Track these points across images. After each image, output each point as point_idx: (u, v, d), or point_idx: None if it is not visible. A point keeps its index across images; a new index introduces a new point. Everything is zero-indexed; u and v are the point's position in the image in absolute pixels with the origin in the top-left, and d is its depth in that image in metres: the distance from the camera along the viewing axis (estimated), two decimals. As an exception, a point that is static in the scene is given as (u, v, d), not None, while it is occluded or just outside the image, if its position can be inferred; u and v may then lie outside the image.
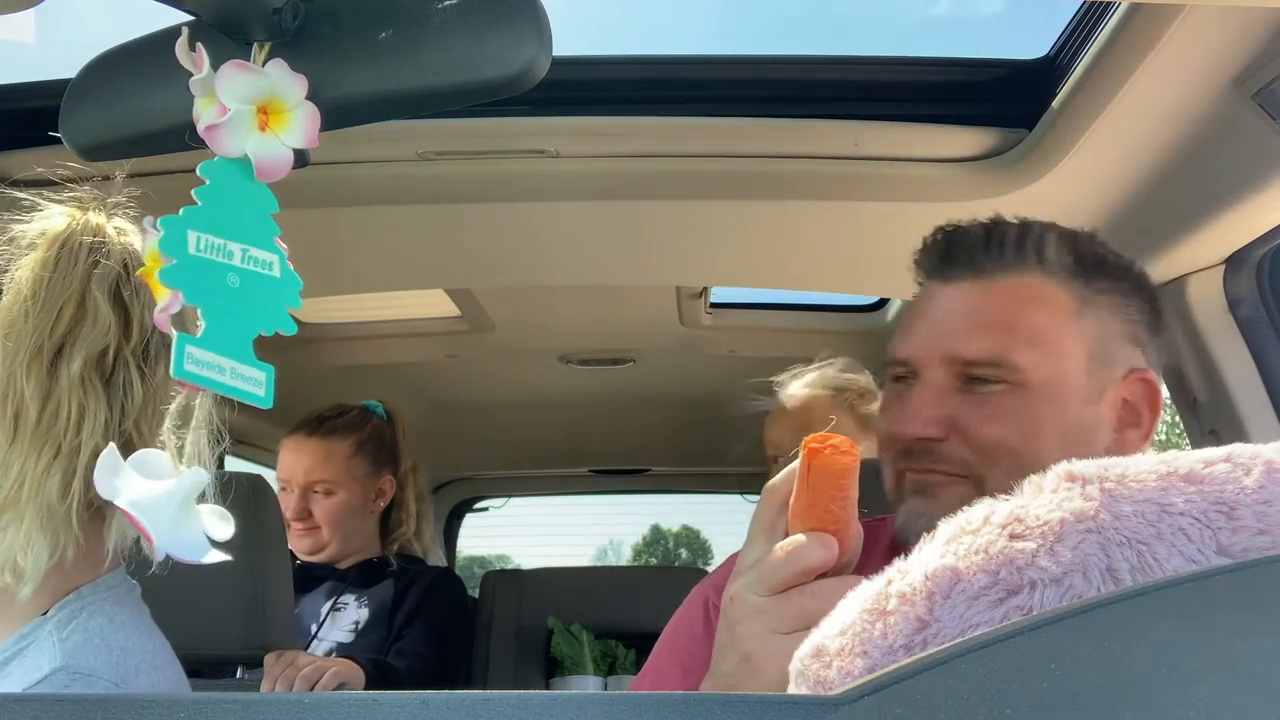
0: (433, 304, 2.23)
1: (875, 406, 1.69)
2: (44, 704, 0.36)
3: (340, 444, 2.02)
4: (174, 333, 0.54)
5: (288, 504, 1.97)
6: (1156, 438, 0.91)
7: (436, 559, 2.80)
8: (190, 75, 0.56)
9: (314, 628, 1.92)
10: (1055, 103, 1.26)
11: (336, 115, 0.57)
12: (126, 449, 0.83)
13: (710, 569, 3.76)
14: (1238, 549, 0.40)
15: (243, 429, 2.51)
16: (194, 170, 0.56)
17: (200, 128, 0.55)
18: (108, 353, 0.83)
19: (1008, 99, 1.34)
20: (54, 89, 0.71)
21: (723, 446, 3.30)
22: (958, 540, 0.43)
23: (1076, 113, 1.23)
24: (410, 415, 2.88)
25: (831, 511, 0.66)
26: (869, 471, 1.06)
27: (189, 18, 0.58)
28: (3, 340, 0.81)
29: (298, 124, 0.56)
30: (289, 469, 2.01)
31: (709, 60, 1.39)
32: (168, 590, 1.46)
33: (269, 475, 2.04)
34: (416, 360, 2.59)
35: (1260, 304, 1.45)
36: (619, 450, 3.42)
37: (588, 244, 1.72)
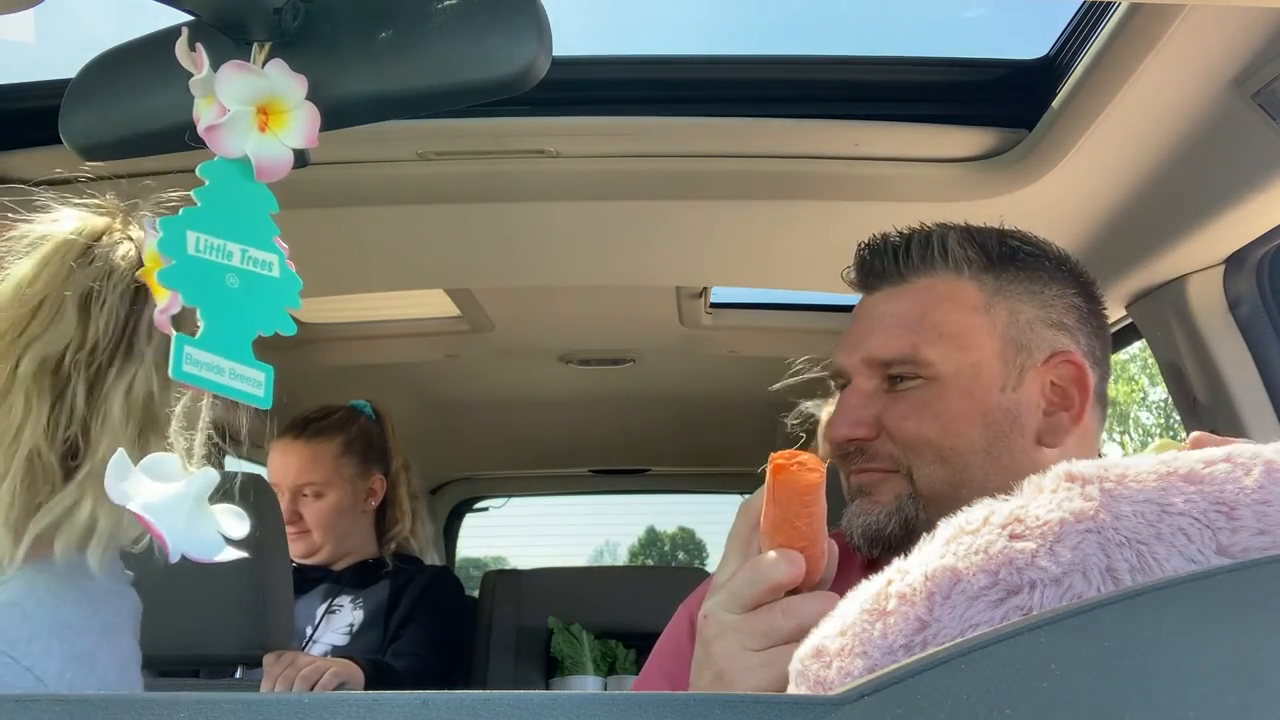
0: (433, 304, 2.23)
1: None
2: (44, 704, 0.36)
3: (327, 445, 2.02)
4: (174, 333, 0.54)
5: None
6: (1156, 436, 0.92)
7: (434, 558, 2.80)
8: (190, 75, 0.56)
9: (309, 630, 1.92)
10: (1055, 103, 1.26)
11: (337, 115, 0.57)
12: (70, 455, 0.83)
13: (709, 569, 3.76)
14: (1238, 549, 0.40)
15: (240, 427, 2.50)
16: (194, 171, 0.56)
17: (200, 128, 0.55)
18: (64, 356, 0.83)
19: (1008, 99, 1.34)
20: (54, 89, 0.71)
21: (723, 446, 3.30)
22: (957, 540, 0.43)
23: (1076, 113, 1.23)
24: (410, 415, 2.88)
25: (798, 528, 0.67)
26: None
27: (189, 18, 0.58)
28: None
29: (298, 124, 0.56)
30: (278, 472, 2.01)
31: (709, 60, 1.39)
32: (168, 590, 1.46)
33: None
34: (416, 360, 2.59)
35: (1260, 304, 1.45)
36: (619, 450, 3.42)
37: (588, 244, 1.72)
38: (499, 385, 2.83)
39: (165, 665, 1.70)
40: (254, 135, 0.55)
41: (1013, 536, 0.42)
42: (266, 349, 0.56)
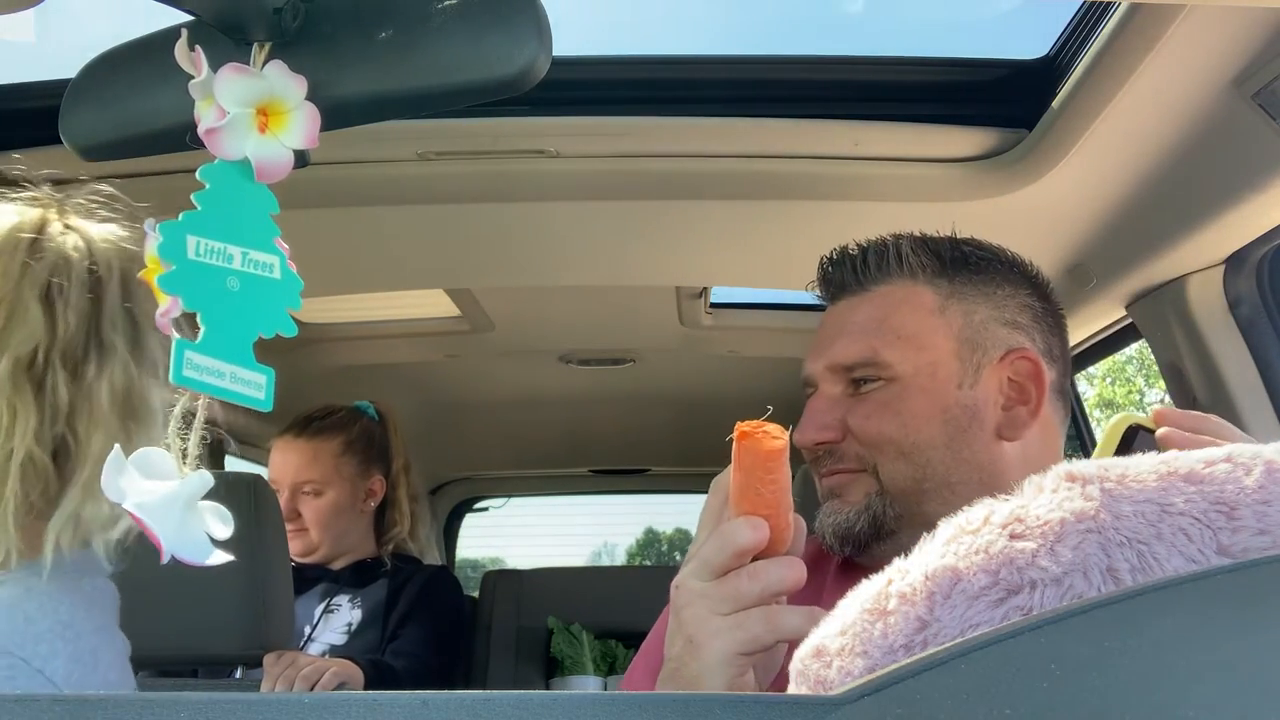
0: (433, 304, 2.23)
1: None
2: (44, 704, 0.36)
3: (328, 444, 2.02)
4: (175, 336, 0.54)
5: None
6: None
7: (433, 559, 2.80)
8: (190, 76, 0.56)
9: (306, 629, 1.91)
10: (1055, 103, 1.26)
11: (337, 115, 0.57)
12: (61, 453, 0.83)
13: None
14: (1238, 549, 0.40)
15: (243, 429, 2.50)
16: (194, 171, 0.56)
17: (200, 131, 0.55)
18: (36, 354, 0.81)
19: (1008, 99, 1.34)
20: (54, 89, 0.71)
21: (723, 446, 3.30)
22: (958, 540, 0.43)
23: (1077, 113, 1.23)
24: (410, 415, 2.88)
25: (762, 495, 0.69)
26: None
27: (189, 18, 0.58)
28: None
29: (298, 125, 0.56)
30: (278, 470, 2.01)
31: (709, 60, 1.39)
32: (169, 590, 1.46)
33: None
34: (416, 360, 2.59)
35: (1260, 304, 1.45)
36: (619, 450, 3.42)
37: (588, 244, 1.72)
38: (499, 385, 2.83)
39: (165, 665, 1.70)
40: (254, 137, 0.55)
41: (1013, 536, 0.42)
42: (266, 350, 0.56)
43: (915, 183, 1.44)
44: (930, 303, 0.97)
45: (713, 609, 0.70)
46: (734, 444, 0.69)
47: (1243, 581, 0.37)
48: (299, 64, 0.56)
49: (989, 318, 0.97)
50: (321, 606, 1.95)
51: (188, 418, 0.61)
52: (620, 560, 7.57)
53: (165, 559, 0.57)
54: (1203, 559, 0.40)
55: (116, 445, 0.59)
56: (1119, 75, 1.13)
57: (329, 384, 2.45)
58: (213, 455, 0.80)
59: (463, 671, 2.91)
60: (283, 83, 0.55)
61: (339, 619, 1.95)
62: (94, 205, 0.89)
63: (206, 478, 0.58)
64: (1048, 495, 0.43)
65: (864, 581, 0.45)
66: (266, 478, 1.97)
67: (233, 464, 2.65)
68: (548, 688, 2.79)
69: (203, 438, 0.61)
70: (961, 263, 0.99)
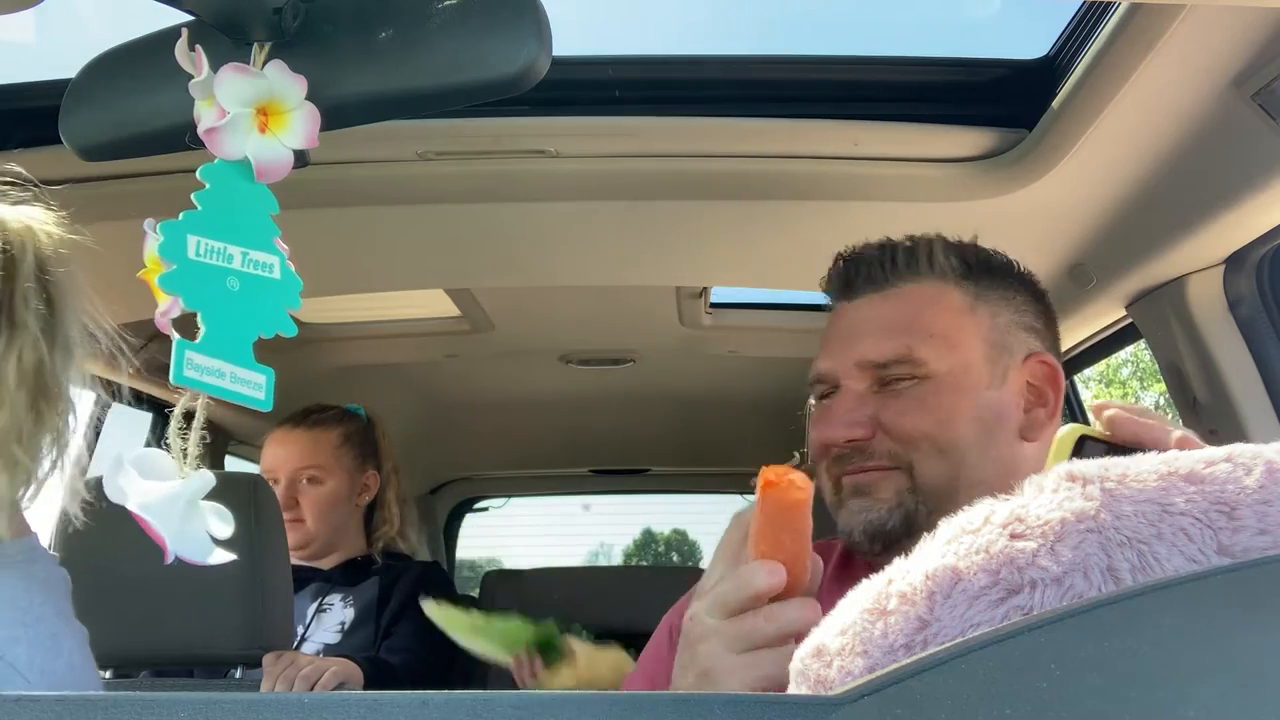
0: (433, 304, 2.23)
1: None
2: (44, 704, 0.36)
3: (328, 434, 2.04)
4: (175, 336, 0.54)
5: None
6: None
7: (424, 558, 2.80)
8: (190, 76, 0.56)
9: (300, 629, 1.91)
10: (1055, 103, 1.26)
11: (337, 115, 0.57)
12: None
13: (705, 567, 3.75)
14: (1238, 549, 0.40)
15: (242, 428, 2.51)
16: (194, 171, 0.56)
17: (200, 131, 0.55)
18: None
19: (1008, 99, 1.34)
20: (54, 89, 0.71)
21: (723, 446, 3.30)
22: (958, 540, 0.43)
23: (1076, 113, 1.23)
24: (410, 415, 2.88)
25: (782, 542, 0.70)
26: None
27: (189, 18, 0.58)
28: None
29: (298, 125, 0.56)
30: (276, 459, 2.01)
31: (709, 60, 1.39)
32: (168, 590, 1.46)
33: (268, 475, 2.04)
34: (416, 360, 2.59)
35: (1260, 304, 1.45)
36: (619, 450, 3.42)
37: (588, 244, 1.72)
38: (499, 385, 2.83)
39: (164, 665, 1.70)
40: (254, 137, 0.55)
41: (1014, 536, 0.42)
42: (265, 349, 0.56)
43: (915, 183, 1.44)
44: (960, 304, 0.98)
45: (727, 646, 0.70)
46: (758, 491, 0.70)
47: (1243, 581, 0.37)
48: (299, 64, 0.56)
49: (1011, 322, 0.99)
50: (314, 606, 1.95)
51: (188, 417, 0.61)
52: (617, 560, 7.57)
53: (170, 559, 0.57)
54: (1203, 559, 0.40)
55: (122, 449, 0.59)
56: (1119, 75, 1.12)
57: (329, 384, 2.45)
58: (213, 454, 0.80)
59: (462, 671, 2.91)
60: (283, 83, 0.55)
61: (332, 618, 1.95)
62: (4, 187, 0.89)
63: (208, 477, 0.58)
64: (1048, 495, 0.43)
65: (864, 581, 0.45)
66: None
67: (232, 464, 2.65)
68: (548, 688, 2.78)
69: (202, 437, 0.61)
70: (985, 267, 1.01)
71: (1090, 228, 1.49)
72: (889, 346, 0.95)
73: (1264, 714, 0.33)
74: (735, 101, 1.36)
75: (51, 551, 0.91)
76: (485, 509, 4.02)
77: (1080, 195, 1.40)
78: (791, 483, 0.69)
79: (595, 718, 0.35)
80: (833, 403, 0.98)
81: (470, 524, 4.00)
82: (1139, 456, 0.45)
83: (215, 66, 0.55)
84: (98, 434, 1.92)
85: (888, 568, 0.44)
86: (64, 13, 1.38)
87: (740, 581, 0.71)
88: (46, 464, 0.85)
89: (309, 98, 0.56)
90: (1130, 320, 1.66)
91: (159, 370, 1.15)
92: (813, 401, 1.04)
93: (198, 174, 0.55)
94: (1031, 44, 1.30)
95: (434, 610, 1.81)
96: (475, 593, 3.17)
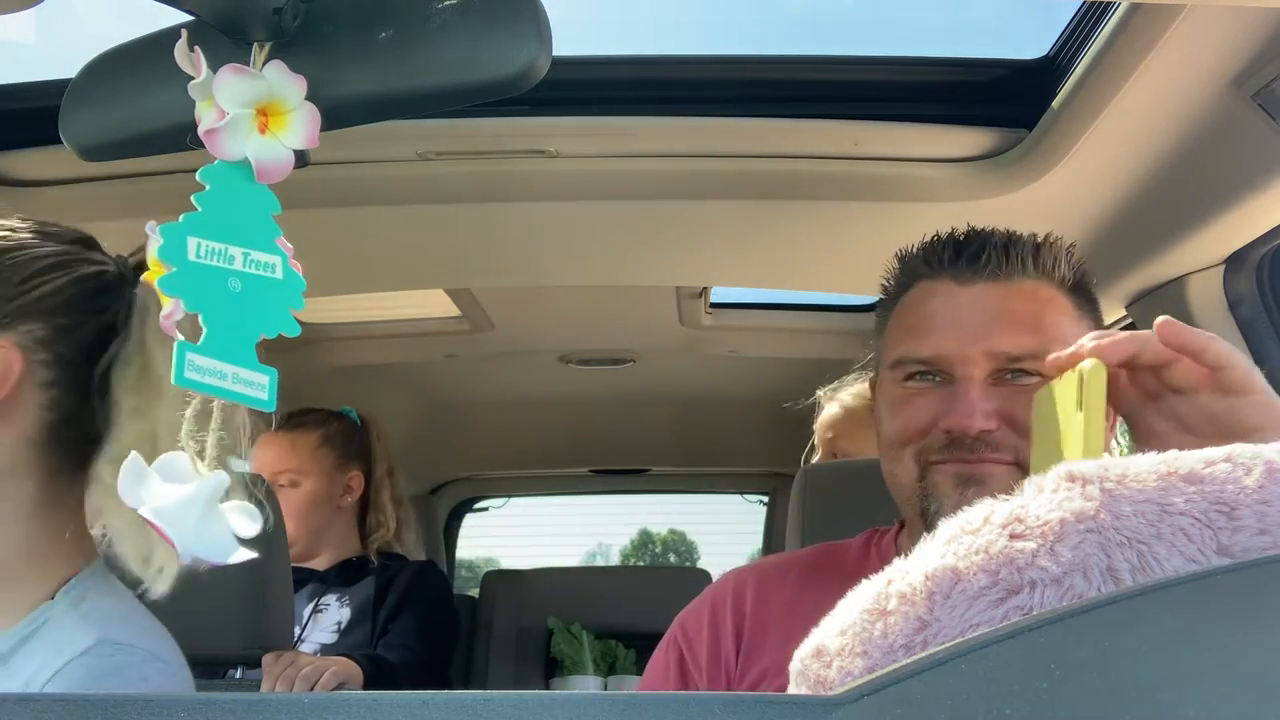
0: (433, 304, 2.23)
1: None
2: (44, 704, 0.36)
3: (305, 436, 2.04)
4: (178, 337, 0.54)
5: None
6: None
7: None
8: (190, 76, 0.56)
9: (296, 630, 1.92)
10: (1055, 103, 1.26)
11: (336, 115, 0.57)
12: None
13: (706, 568, 3.75)
14: (1238, 549, 0.40)
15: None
16: (194, 172, 0.56)
17: (200, 131, 0.55)
18: None
19: (1008, 99, 1.34)
20: (54, 89, 0.71)
21: (723, 446, 3.30)
22: (958, 540, 0.43)
23: (1076, 113, 1.23)
24: (410, 415, 2.88)
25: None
26: (868, 470, 1.07)
27: (189, 18, 0.58)
28: None
29: (298, 125, 0.56)
30: (257, 464, 2.02)
31: (709, 60, 1.39)
32: (167, 590, 1.46)
33: (269, 475, 2.04)
34: (416, 360, 2.59)
35: (1260, 304, 1.45)
36: (619, 450, 3.42)
37: (588, 244, 1.72)
38: (499, 385, 2.84)
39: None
40: (254, 137, 0.55)
41: (1013, 536, 0.42)
42: (265, 349, 0.56)
43: (915, 183, 1.44)
44: (1073, 312, 0.99)
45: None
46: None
47: (1243, 581, 0.37)
48: (299, 64, 0.56)
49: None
50: (310, 606, 1.96)
51: (200, 419, 0.61)
52: (615, 560, 7.57)
53: (184, 561, 0.57)
54: (1203, 559, 0.40)
55: (134, 453, 0.59)
56: (1119, 75, 1.12)
57: (329, 384, 2.45)
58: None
59: (462, 670, 2.91)
60: (283, 83, 0.55)
61: (328, 618, 1.95)
62: None
63: (224, 477, 0.58)
64: (1047, 495, 0.43)
65: (864, 581, 0.45)
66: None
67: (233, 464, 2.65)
68: (548, 688, 2.79)
69: (219, 437, 0.61)
70: (1082, 279, 1.02)
71: (1090, 228, 1.49)
72: (1026, 341, 0.94)
73: (1264, 714, 0.33)
74: (735, 101, 1.36)
75: None
76: (485, 509, 4.02)
77: (1080, 195, 1.40)
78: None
79: (595, 718, 0.35)
80: (954, 390, 0.95)
81: (470, 524, 4.00)
82: (1138, 457, 0.45)
83: (215, 67, 0.55)
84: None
85: (887, 568, 0.45)
86: (64, 13, 1.38)
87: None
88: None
89: (309, 98, 0.56)
90: (1130, 320, 1.66)
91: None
92: (901, 380, 0.99)
93: (197, 175, 0.55)
94: (1031, 44, 1.30)
95: None
96: (475, 593, 3.18)
